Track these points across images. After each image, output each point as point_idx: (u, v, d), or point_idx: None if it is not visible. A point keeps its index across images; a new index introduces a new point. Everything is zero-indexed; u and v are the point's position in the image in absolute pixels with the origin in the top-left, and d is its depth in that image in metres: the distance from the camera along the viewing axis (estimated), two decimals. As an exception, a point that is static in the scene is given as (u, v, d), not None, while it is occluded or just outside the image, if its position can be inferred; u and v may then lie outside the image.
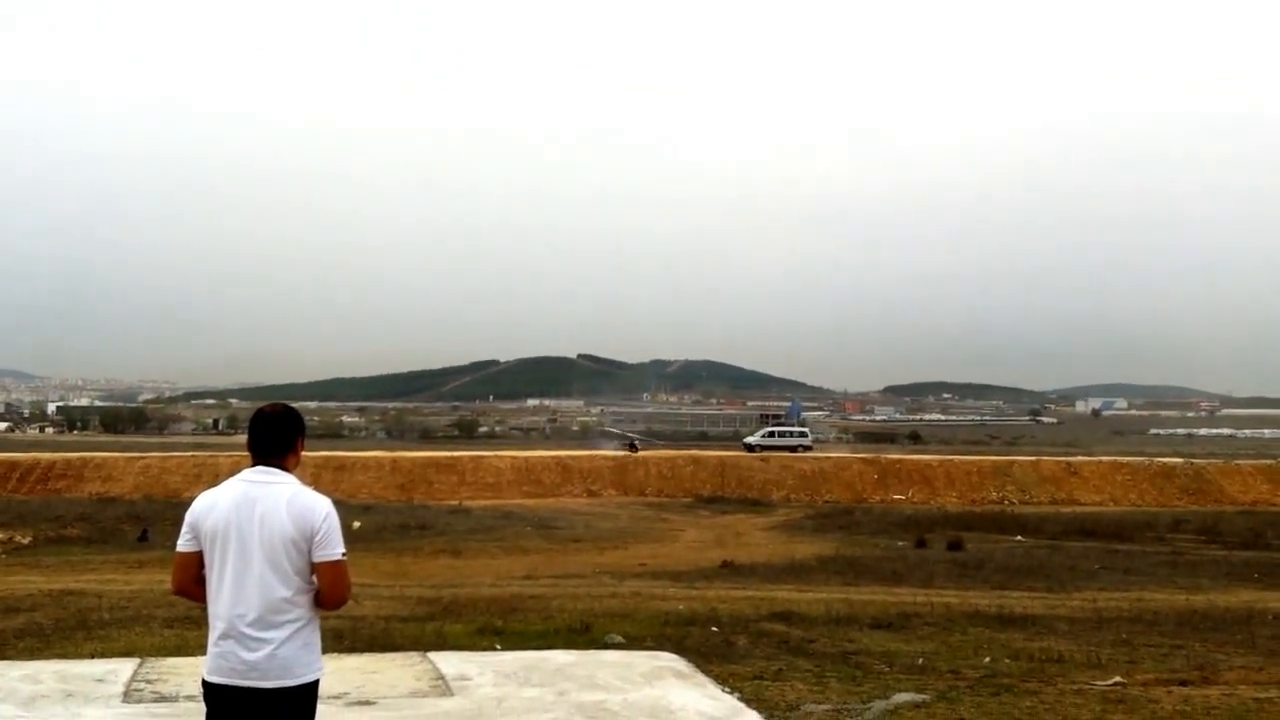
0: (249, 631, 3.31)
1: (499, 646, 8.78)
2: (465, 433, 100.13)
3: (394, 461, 50.36)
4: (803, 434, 62.41)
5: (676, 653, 8.09)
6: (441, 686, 6.76)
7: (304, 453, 3.60)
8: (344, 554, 3.40)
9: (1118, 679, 7.96)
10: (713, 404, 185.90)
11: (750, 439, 61.70)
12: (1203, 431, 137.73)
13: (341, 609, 3.67)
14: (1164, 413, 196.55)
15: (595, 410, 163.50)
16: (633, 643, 9.08)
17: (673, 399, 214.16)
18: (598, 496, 47.17)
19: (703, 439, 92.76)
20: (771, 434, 62.21)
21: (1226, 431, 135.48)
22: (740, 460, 53.62)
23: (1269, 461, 57.94)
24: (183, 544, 3.45)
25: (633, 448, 40.98)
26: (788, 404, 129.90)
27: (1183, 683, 7.86)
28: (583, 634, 9.80)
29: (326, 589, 3.39)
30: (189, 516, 3.45)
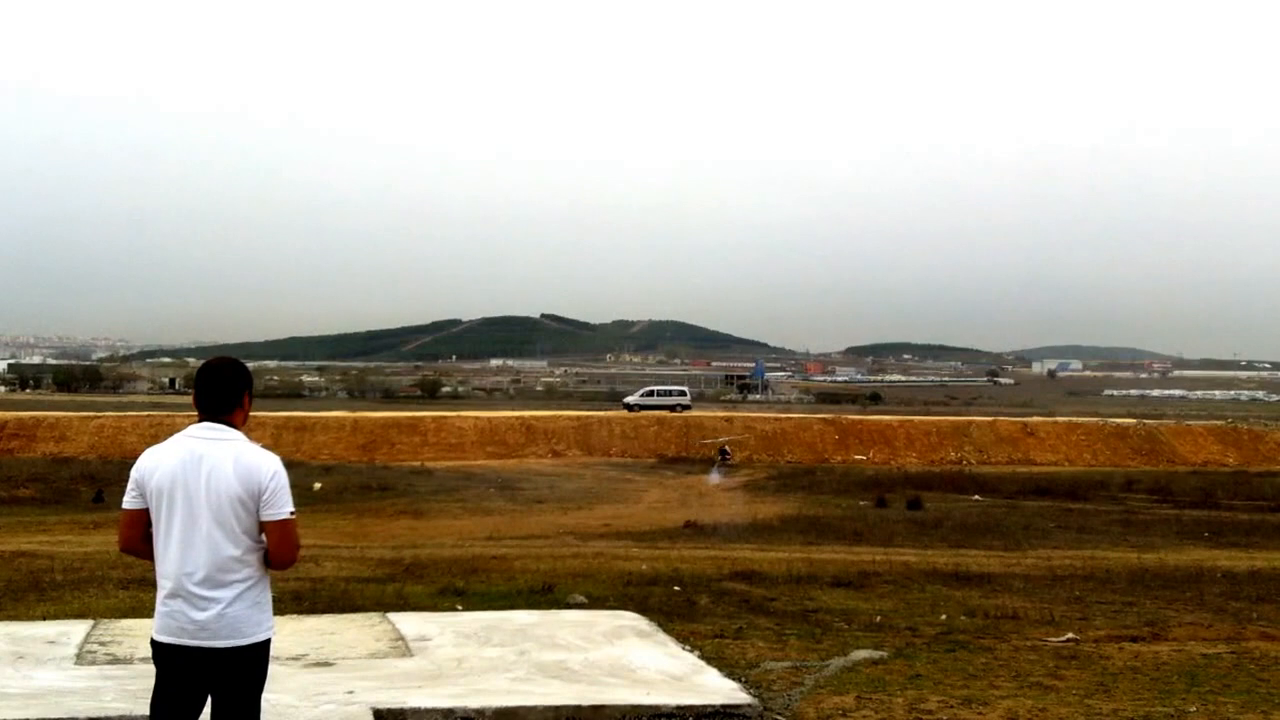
0: (197, 591, 3.24)
1: (460, 607, 8.75)
2: (427, 393, 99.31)
3: (355, 422, 49.97)
4: (682, 393, 64.20)
5: (639, 612, 8.11)
6: (401, 647, 6.72)
7: (265, 412, 3.51)
8: (293, 513, 3.33)
9: (1071, 635, 8.10)
10: (676, 364, 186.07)
11: (629, 399, 62.96)
12: (1155, 393, 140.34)
13: (300, 569, 3.60)
14: (1118, 374, 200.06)
15: (559, 371, 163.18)
16: (595, 603, 9.10)
17: (636, 359, 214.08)
18: (562, 457, 47.21)
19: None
20: (650, 393, 63.84)
21: (1178, 393, 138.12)
22: (704, 421, 53.86)
23: (1219, 422, 59.25)
24: (128, 501, 3.37)
25: (724, 455, 35.90)
26: (751, 365, 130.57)
27: (1134, 639, 8.02)
28: (545, 594, 9.80)
29: (275, 548, 3.32)
30: (134, 473, 3.36)
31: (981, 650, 7.32)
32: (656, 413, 56.70)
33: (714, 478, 32.86)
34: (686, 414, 56.41)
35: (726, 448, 35.77)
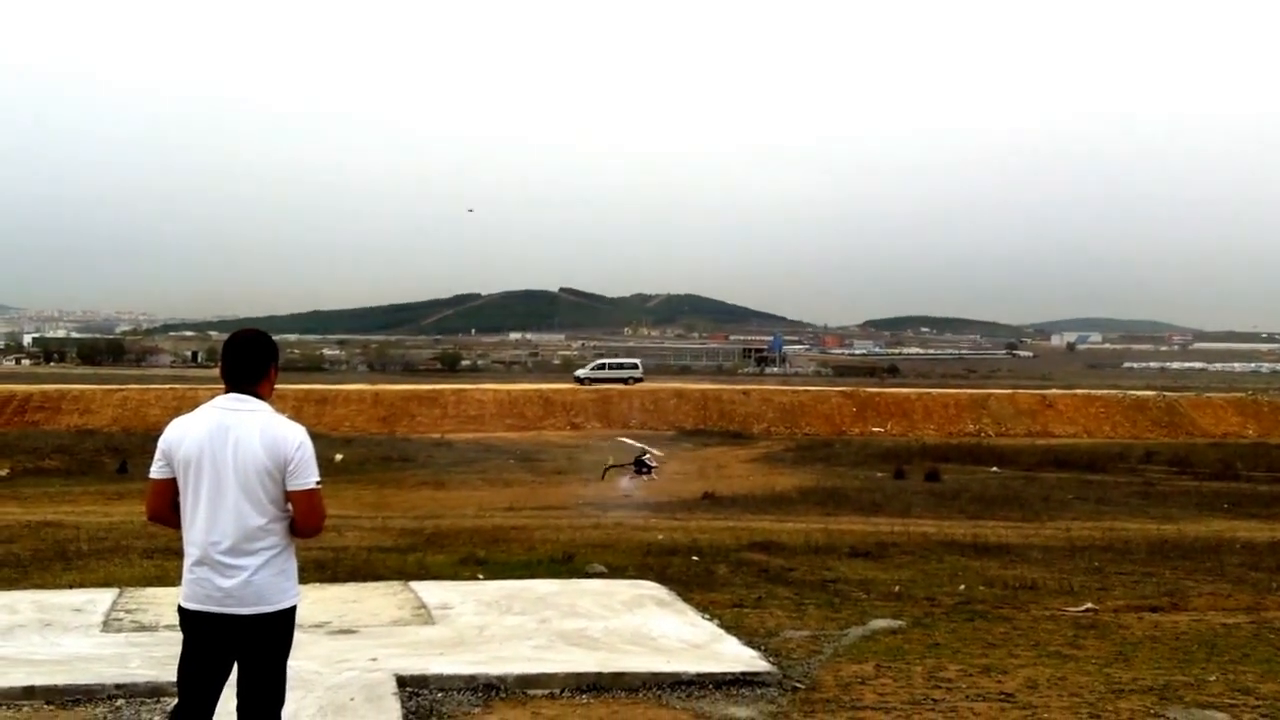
0: (223, 559, 3.28)
1: (481, 576, 8.82)
2: (447, 366, 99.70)
3: (376, 395, 50.23)
4: (634, 366, 64.45)
5: (658, 582, 8.16)
6: (424, 615, 6.79)
7: (286, 385, 3.54)
8: (318, 482, 3.37)
9: (1089, 605, 8.10)
10: (695, 338, 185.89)
11: (580, 372, 63.31)
12: (1175, 365, 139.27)
13: (323, 539, 3.64)
14: (1137, 346, 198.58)
15: (577, 344, 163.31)
16: (615, 572, 9.15)
17: (654, 333, 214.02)
18: (581, 430, 47.34)
19: (685, 373, 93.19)
20: (602, 366, 64.55)
21: (1198, 365, 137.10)
22: (722, 394, 53.86)
23: (1239, 394, 58.78)
24: (156, 471, 3.40)
25: (640, 465, 28.06)
26: (769, 338, 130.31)
27: (1153, 609, 8.01)
28: (565, 564, 9.86)
29: (301, 517, 3.36)
30: (162, 443, 3.40)
31: (1000, 620, 7.33)
32: (673, 386, 56.78)
33: (624, 484, 25.88)
34: (706, 388, 56.41)
35: (648, 459, 28.12)
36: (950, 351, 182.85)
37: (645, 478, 26.23)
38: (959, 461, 34.27)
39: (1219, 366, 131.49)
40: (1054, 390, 59.62)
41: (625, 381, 58.07)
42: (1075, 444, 42.84)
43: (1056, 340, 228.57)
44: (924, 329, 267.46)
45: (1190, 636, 6.86)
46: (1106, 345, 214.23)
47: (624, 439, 32.21)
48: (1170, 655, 6.33)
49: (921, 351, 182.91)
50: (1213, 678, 5.76)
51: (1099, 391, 58.70)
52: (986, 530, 15.51)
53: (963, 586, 9.25)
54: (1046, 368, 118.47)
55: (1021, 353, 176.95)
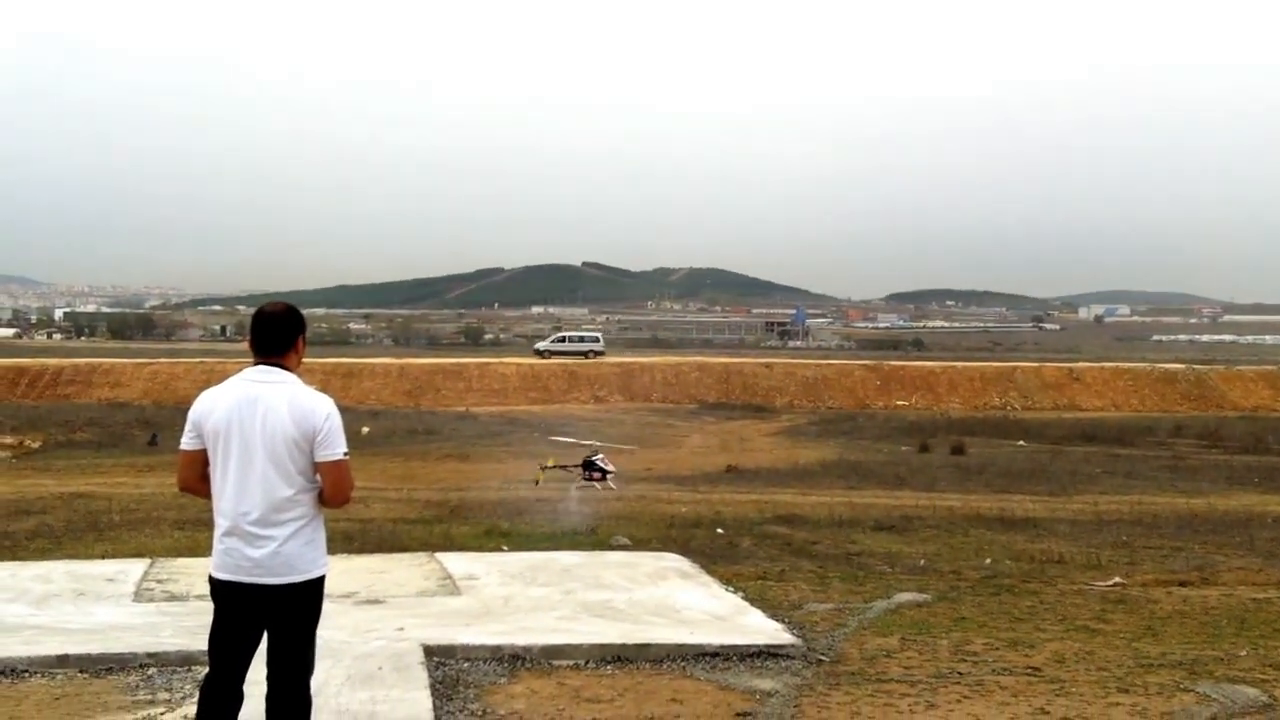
0: (252, 529, 3.31)
1: (506, 548, 8.87)
2: (471, 340, 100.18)
3: (402, 368, 50.49)
4: (595, 339, 64.11)
5: (681, 554, 8.17)
6: (449, 586, 6.85)
7: (313, 359, 3.54)
8: (346, 453, 3.39)
9: (1117, 580, 8.05)
10: (717, 311, 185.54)
11: (540, 344, 63.49)
12: (1205, 338, 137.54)
13: (350, 510, 3.66)
14: (1166, 319, 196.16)
15: (600, 318, 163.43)
16: (638, 544, 9.18)
17: (677, 306, 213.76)
18: (604, 403, 47.42)
19: (707, 346, 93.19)
20: (562, 339, 64.18)
21: (1228, 338, 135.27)
22: (744, 367, 53.74)
23: (1270, 367, 57.92)
24: (186, 442, 3.43)
25: (590, 468, 19.78)
26: (792, 311, 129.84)
27: (1182, 583, 7.95)
28: (588, 536, 9.91)
29: (329, 488, 3.38)
30: (191, 415, 3.43)
31: (1027, 594, 7.30)
32: (695, 359, 56.74)
33: (571, 496, 17.87)
34: (728, 361, 56.32)
35: (600, 459, 20.17)
36: (975, 325, 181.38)
37: (597, 485, 19.39)
38: (985, 435, 34.05)
39: (1249, 339, 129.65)
40: (1081, 363, 59.09)
41: (586, 355, 58.37)
42: (1103, 417, 42.48)
43: (1084, 313, 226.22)
44: (949, 302, 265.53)
45: (1220, 611, 6.80)
46: (1134, 318, 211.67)
47: (560, 437, 23.92)
48: (1199, 630, 6.28)
49: (946, 325, 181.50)
50: (1243, 653, 5.71)
51: (1127, 365, 58.11)
52: (1013, 504, 15.44)
53: (989, 560, 9.22)
54: (1073, 341, 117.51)
55: (1048, 326, 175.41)
